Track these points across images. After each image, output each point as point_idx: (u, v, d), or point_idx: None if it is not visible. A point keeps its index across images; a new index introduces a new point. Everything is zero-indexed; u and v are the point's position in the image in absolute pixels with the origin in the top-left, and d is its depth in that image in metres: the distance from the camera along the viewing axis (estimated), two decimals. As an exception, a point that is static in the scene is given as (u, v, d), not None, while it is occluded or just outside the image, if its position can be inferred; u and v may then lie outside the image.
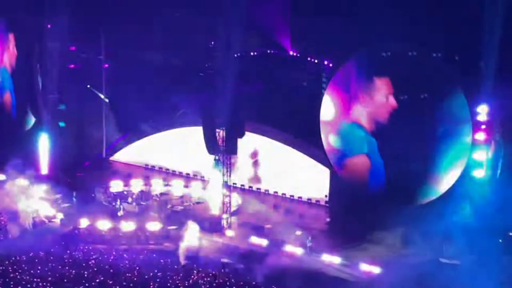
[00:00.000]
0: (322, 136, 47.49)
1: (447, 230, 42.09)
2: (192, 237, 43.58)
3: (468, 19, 42.38)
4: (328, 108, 47.03)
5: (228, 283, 38.24)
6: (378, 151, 45.57)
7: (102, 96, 57.70)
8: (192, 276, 38.99)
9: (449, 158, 44.04)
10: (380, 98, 44.83)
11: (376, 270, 40.70)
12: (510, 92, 40.90)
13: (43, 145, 55.47)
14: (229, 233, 45.87)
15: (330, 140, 47.51)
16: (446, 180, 44.45)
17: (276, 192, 53.14)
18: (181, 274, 39.25)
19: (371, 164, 46.09)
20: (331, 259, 41.94)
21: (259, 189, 53.79)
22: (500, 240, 43.40)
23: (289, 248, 43.11)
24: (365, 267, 40.89)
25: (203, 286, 37.93)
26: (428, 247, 42.24)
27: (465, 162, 43.80)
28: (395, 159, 45.00)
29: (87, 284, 37.37)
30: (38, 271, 38.67)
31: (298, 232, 43.73)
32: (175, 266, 40.51)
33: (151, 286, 37.46)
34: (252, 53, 51.69)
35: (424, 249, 42.26)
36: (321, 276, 40.34)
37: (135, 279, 38.29)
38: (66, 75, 55.80)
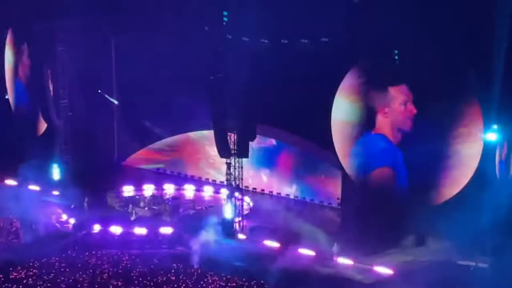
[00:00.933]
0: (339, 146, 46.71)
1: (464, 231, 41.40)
2: (205, 241, 43.12)
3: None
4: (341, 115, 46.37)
5: (241, 286, 37.91)
6: (404, 162, 44.69)
7: (114, 101, 57.46)
8: (206, 280, 38.62)
9: (463, 159, 43.37)
10: (398, 106, 44.05)
11: (390, 272, 40.23)
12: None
13: (55, 151, 55.18)
14: (241, 236, 45.47)
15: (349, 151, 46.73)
16: (461, 181, 43.61)
17: (288, 195, 52.39)
18: (194, 278, 38.84)
19: (396, 175, 45.19)
20: (345, 261, 41.44)
21: (271, 192, 53.17)
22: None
23: (304, 250, 42.66)
24: (380, 269, 40.42)
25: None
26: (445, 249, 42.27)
27: (477, 163, 43.01)
28: (418, 167, 44.04)
29: None
30: (51, 277, 38.37)
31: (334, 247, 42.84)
32: (188, 270, 40.04)
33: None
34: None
35: (441, 250, 42.32)
36: (335, 279, 39.84)
37: (148, 283, 37.97)
38: (77, 81, 55.23)
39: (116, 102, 57.68)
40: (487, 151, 42.89)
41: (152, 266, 40.48)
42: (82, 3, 50.18)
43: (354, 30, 44.36)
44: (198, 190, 54.38)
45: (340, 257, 41.55)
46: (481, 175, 43.12)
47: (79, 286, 37.54)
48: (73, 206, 49.03)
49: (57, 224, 47.03)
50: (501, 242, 42.75)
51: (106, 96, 57.56)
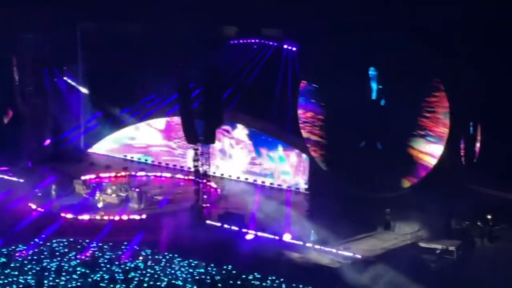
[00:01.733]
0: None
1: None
2: (174, 227, 42.90)
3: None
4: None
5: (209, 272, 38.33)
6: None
7: (81, 88, 57.13)
8: (174, 265, 39.03)
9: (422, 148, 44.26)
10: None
11: (358, 256, 40.36)
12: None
13: (22, 138, 54.88)
14: (210, 222, 45.12)
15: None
16: (423, 168, 44.37)
17: (256, 181, 52.96)
18: (162, 264, 39.20)
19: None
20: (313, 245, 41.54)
21: (239, 178, 53.66)
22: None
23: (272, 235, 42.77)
24: (347, 253, 40.54)
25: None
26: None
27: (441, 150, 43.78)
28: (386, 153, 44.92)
29: (68, 277, 36.94)
30: (18, 265, 38.19)
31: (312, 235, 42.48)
32: (156, 256, 40.05)
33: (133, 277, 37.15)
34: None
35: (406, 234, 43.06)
36: (302, 263, 40.10)
37: (116, 270, 37.88)
38: (42, 67, 55.00)
39: (84, 90, 57.38)
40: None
41: (120, 253, 40.31)
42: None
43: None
44: (166, 176, 54.43)
45: (317, 244, 41.36)
46: (447, 161, 43.81)
47: (46, 274, 37.14)
48: (39, 193, 48.32)
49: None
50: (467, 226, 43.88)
51: (73, 83, 57.18)
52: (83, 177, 51.65)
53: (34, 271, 37.45)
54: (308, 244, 41.49)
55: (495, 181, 44.22)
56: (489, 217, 44.19)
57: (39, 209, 46.31)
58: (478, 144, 45.48)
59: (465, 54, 41.98)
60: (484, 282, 37.19)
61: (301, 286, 36.70)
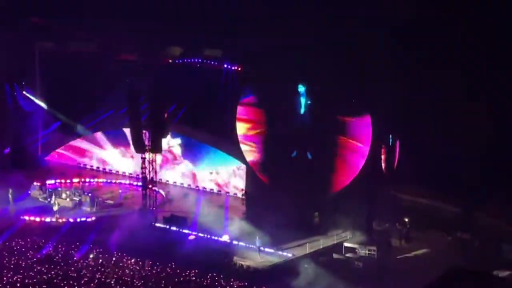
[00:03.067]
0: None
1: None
2: (123, 228, 44.50)
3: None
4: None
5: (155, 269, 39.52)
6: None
7: (38, 101, 58.05)
8: (122, 264, 40.08)
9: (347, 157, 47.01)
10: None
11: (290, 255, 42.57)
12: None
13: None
14: (157, 224, 46.62)
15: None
16: (348, 175, 47.04)
17: (198, 187, 54.58)
18: (112, 262, 40.28)
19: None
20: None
21: (182, 184, 55.16)
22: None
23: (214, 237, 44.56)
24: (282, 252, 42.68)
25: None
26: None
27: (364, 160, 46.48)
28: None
29: (25, 274, 37.74)
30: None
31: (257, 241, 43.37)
32: (107, 255, 41.05)
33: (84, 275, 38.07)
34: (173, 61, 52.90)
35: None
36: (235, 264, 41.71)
37: (70, 268, 38.93)
38: (2, 82, 56.02)
39: (41, 103, 58.14)
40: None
41: (72, 252, 41.37)
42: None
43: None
44: (116, 182, 55.77)
45: (262, 249, 42.78)
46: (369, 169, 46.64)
47: (5, 271, 37.90)
48: (10, 192, 49.00)
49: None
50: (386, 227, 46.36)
51: (31, 97, 58.06)
52: (40, 183, 52.29)
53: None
54: (243, 244, 43.41)
55: (411, 187, 46.93)
56: (406, 219, 46.70)
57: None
58: (396, 154, 48.09)
59: (382, 71, 44.20)
60: (401, 276, 39.90)
61: (237, 282, 37.91)
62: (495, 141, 42.99)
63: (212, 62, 52.01)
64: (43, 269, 38.49)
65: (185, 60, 52.64)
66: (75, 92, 54.25)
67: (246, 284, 37.97)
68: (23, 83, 57.82)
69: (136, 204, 49.51)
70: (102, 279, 37.48)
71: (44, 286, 35.91)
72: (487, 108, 43.13)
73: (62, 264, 39.54)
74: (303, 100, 46.87)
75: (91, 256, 40.91)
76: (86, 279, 37.46)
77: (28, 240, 42.91)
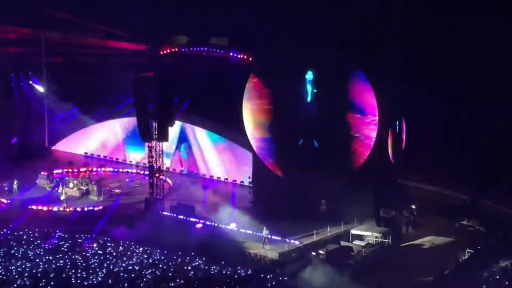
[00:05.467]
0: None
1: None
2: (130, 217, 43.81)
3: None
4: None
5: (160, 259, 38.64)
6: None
7: (44, 91, 57.31)
8: (130, 253, 39.26)
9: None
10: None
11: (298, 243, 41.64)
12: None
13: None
14: (164, 213, 45.83)
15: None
16: (355, 163, 45.30)
17: (205, 175, 53.71)
18: (120, 250, 39.53)
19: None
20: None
21: (197, 172, 54.30)
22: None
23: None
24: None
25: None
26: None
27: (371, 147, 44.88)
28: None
29: (33, 263, 36.83)
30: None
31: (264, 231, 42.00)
32: (114, 244, 40.39)
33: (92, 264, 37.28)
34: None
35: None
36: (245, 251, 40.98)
37: (77, 257, 38.15)
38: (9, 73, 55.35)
39: (48, 93, 57.37)
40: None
41: (80, 241, 40.73)
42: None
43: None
44: (123, 171, 54.99)
45: (268, 239, 41.78)
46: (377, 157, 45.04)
47: (13, 261, 37.06)
48: (6, 188, 48.75)
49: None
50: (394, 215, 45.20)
51: (38, 87, 57.46)
52: (47, 172, 51.79)
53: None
54: (250, 232, 42.61)
55: (418, 175, 45.87)
56: (413, 207, 45.82)
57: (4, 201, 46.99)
58: (403, 142, 46.95)
59: (388, 55, 43.09)
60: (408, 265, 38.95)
61: (244, 270, 36.91)
62: (504, 127, 41.97)
63: (218, 51, 51.13)
64: (50, 258, 37.66)
65: (191, 49, 51.79)
66: (82, 82, 53.53)
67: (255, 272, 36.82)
68: (30, 73, 57.19)
69: (143, 193, 48.37)
70: (110, 268, 36.56)
71: (52, 275, 34.91)
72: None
73: (69, 253, 38.74)
74: (309, 88, 45.38)
75: (97, 245, 40.16)
76: (94, 267, 36.55)
77: (36, 229, 42.06)
